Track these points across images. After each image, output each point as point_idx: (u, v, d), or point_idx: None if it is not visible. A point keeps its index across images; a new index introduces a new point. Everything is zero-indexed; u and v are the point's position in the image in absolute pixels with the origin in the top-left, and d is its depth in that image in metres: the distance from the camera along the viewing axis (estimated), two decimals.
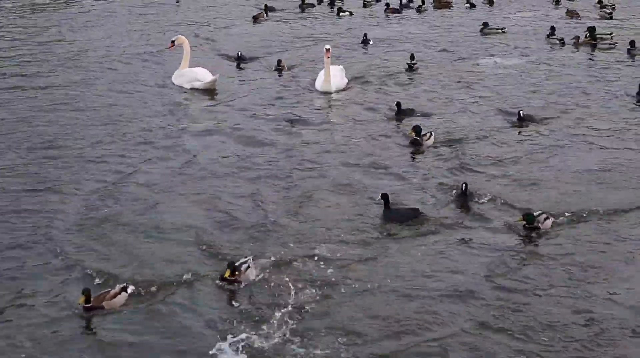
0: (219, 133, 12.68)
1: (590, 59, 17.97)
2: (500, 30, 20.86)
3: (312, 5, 25.52)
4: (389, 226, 8.91)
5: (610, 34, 19.44)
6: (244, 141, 12.08)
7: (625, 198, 9.51)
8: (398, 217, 9.03)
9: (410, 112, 13.09)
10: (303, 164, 11.03)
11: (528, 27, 21.76)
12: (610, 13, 23.89)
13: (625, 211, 9.06)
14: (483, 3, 25.62)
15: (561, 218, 8.85)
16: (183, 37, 16.05)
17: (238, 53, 17.33)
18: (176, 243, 8.49)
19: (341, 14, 23.98)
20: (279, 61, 16.61)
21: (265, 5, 23.90)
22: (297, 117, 13.34)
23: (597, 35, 19.24)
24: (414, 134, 11.47)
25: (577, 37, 19.24)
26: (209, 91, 15.27)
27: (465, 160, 11.03)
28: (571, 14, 24.13)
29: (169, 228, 8.89)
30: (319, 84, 14.70)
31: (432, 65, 17.35)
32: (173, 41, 15.89)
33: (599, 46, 18.93)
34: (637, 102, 14.07)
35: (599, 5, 25.07)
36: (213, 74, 15.32)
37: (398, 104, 12.99)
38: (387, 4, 24.75)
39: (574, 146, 11.59)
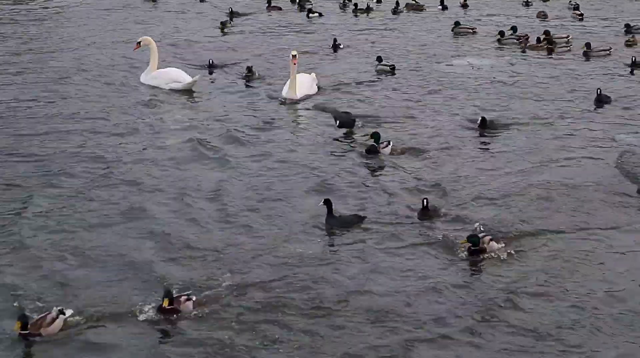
0: (178, 142, 12.33)
1: (551, 62, 17.99)
2: (471, 30, 20.85)
3: (279, 8, 25.21)
4: (333, 233, 8.82)
5: (567, 36, 19.53)
6: (192, 157, 11.58)
7: (575, 218, 9.15)
8: (341, 223, 8.89)
9: (351, 124, 12.43)
10: (255, 175, 10.75)
11: (500, 29, 21.64)
12: (581, 15, 24.09)
13: (572, 232, 8.72)
14: (457, 6, 25.67)
15: (514, 239, 8.42)
16: (149, 38, 15.94)
17: (209, 61, 16.93)
18: (117, 266, 8.11)
19: (310, 15, 23.78)
20: (249, 68, 16.22)
21: (231, 9, 23.35)
22: (259, 126, 13.08)
23: (555, 38, 19.31)
24: (372, 140, 11.25)
25: (526, 39, 19.24)
26: (174, 98, 14.96)
27: (423, 172, 10.75)
28: (541, 15, 24.42)
29: (108, 250, 8.47)
30: (285, 91, 14.50)
31: (404, 68, 17.16)
32: (139, 42, 15.79)
33: (556, 48, 19.00)
34: (595, 109, 14.06)
35: (572, 6, 25.34)
36: (192, 76, 15.34)
37: (337, 119, 12.35)
38: (356, 5, 24.80)
39: (532, 156, 11.40)
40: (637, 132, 12.55)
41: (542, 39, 19.27)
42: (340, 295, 7.38)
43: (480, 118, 12.39)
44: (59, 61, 17.73)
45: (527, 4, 26.51)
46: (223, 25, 21.87)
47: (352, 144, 12.02)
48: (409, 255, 8.21)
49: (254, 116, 13.68)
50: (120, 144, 12.09)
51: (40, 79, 15.94)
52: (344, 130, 12.55)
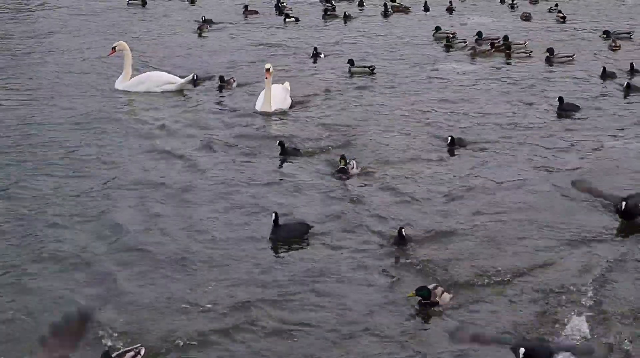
0: (138, 156, 11.77)
1: (515, 69, 17.72)
2: (451, 35, 20.63)
3: (256, 12, 24.74)
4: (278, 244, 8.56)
5: (524, 43, 19.31)
6: (147, 174, 11.03)
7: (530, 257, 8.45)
8: (286, 233, 8.66)
9: (295, 152, 11.68)
10: (218, 189, 10.28)
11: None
12: (564, 17, 24.12)
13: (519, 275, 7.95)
14: (444, 11, 25.56)
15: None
16: (124, 43, 15.68)
17: (194, 75, 15.77)
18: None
19: (287, 19, 23.38)
20: (221, 78, 15.49)
21: (203, 17, 22.47)
22: (228, 139, 12.49)
23: (512, 44, 19.10)
24: (343, 163, 10.68)
25: (474, 48, 18.98)
26: (139, 110, 14.42)
27: (388, 195, 10.16)
28: (525, 17, 24.46)
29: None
30: (259, 104, 13.79)
31: (386, 74, 16.66)
32: (114, 47, 15.52)
33: (514, 54, 18.79)
34: (558, 117, 13.75)
35: (556, 9, 25.42)
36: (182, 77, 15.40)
37: (281, 143, 11.56)
38: (325, 10, 24.55)
39: (500, 176, 10.83)
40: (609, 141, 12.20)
41: (495, 45, 19.09)
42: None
43: (449, 137, 11.89)
44: (34, 63, 17.44)
45: (512, 7, 26.67)
46: (200, 30, 21.26)
47: (318, 167, 11.33)
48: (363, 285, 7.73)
49: (224, 129, 13.11)
50: (89, 153, 11.76)
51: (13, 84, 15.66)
52: (316, 148, 12.05)
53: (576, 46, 19.86)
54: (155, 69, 16.53)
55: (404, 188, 10.38)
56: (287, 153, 11.51)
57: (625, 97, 15.08)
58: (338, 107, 14.46)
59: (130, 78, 15.23)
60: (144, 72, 15.88)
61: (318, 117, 13.79)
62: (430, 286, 7.41)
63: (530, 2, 27.66)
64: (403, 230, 8.43)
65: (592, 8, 26.57)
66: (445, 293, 7.45)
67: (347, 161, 10.78)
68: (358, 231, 8.97)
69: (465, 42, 19.52)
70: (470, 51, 18.93)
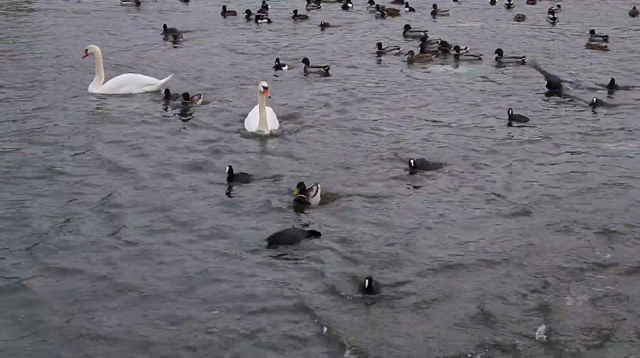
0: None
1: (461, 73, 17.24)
2: (423, 33, 20.72)
3: (234, 13, 24.21)
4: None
5: (466, 48, 18.81)
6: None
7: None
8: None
9: (243, 177, 10.43)
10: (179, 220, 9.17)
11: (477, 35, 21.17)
12: (554, 19, 24.06)
13: None
14: (440, 14, 25.05)
15: None
16: (95, 47, 15.27)
17: (165, 91, 14.57)
18: None
19: (259, 21, 23.11)
20: (185, 95, 14.03)
21: (165, 26, 20.99)
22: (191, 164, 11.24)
23: (454, 49, 18.61)
24: (297, 191, 9.47)
25: (411, 52, 18.26)
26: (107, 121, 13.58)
27: (352, 227, 8.91)
28: (518, 18, 24.32)
29: None
30: (253, 125, 12.41)
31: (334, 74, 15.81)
32: (87, 50, 15.27)
33: (461, 57, 18.40)
34: (508, 124, 13.21)
35: (558, 9, 25.82)
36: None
37: (230, 169, 10.33)
38: (295, 11, 24.09)
39: (456, 206, 9.73)
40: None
41: (432, 50, 18.62)
42: None
43: (412, 161, 10.93)
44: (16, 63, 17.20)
45: (508, 7, 26.65)
46: (175, 37, 20.23)
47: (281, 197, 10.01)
48: None
49: (188, 155, 11.66)
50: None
51: None
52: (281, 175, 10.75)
53: (555, 49, 19.63)
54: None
55: (366, 216, 9.23)
56: (235, 178, 10.34)
57: (594, 112, 14.02)
58: (295, 123, 13.28)
59: (104, 82, 15.01)
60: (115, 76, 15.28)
61: (310, 143, 12.29)
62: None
63: (527, 2, 27.50)
64: (368, 279, 7.23)
65: (592, 10, 26.22)
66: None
67: (307, 187, 9.52)
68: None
69: (398, 49, 18.73)
70: (407, 56, 18.15)
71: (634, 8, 25.43)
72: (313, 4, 26.16)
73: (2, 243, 8.39)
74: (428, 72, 17.35)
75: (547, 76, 15.22)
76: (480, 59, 18.17)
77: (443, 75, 17.07)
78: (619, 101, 14.78)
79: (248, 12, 23.69)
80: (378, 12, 24.94)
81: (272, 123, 12.55)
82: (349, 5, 26.36)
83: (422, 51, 18.40)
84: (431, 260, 8.11)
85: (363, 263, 8.00)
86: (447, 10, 24.99)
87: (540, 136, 12.55)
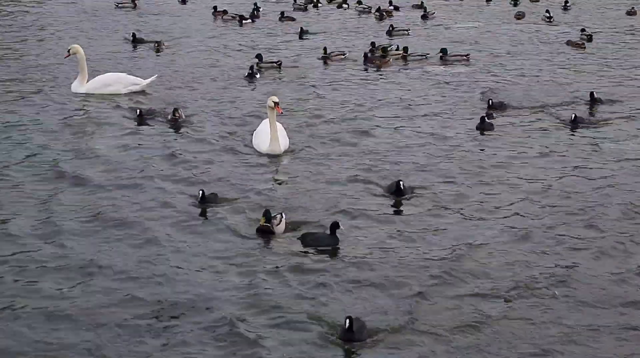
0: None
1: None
2: (406, 32, 21.52)
3: (225, 12, 24.14)
4: None
5: (397, 48, 18.85)
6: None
7: None
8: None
9: (214, 198, 9.76)
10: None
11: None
12: (551, 17, 24.20)
13: None
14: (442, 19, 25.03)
15: None
16: (77, 47, 15.37)
17: (137, 111, 13.56)
18: None
19: (243, 21, 23.42)
20: (175, 110, 13.27)
21: (133, 34, 20.36)
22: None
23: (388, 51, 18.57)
24: (263, 220, 8.73)
25: (365, 56, 18.17)
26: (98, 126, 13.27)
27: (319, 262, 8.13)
28: (518, 16, 24.78)
29: None
30: (264, 145, 11.64)
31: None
32: (69, 50, 15.44)
33: (410, 57, 18.43)
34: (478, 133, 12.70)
35: (570, 5, 26.77)
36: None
37: (202, 192, 9.63)
38: (282, 12, 24.12)
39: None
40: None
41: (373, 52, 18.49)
42: None
43: (395, 184, 9.91)
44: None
45: (515, 4, 27.12)
46: (158, 45, 19.62)
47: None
48: None
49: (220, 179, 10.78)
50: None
51: None
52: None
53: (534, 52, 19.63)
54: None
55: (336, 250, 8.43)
56: (207, 200, 9.67)
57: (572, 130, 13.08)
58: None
59: (87, 81, 15.09)
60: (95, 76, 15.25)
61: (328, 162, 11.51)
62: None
63: (531, 0, 27.74)
64: (349, 319, 6.36)
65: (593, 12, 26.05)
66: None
67: (273, 215, 8.88)
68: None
69: (344, 54, 18.46)
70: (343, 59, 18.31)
71: (633, 8, 25.23)
72: (302, 4, 26.26)
73: None
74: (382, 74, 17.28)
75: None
76: (426, 57, 18.24)
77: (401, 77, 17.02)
78: (599, 117, 13.91)
79: (218, 10, 24.00)
80: (366, 10, 25.36)
81: (284, 141, 11.74)
82: (344, 6, 26.42)
83: (367, 61, 17.90)
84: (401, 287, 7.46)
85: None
86: (433, 13, 24.90)
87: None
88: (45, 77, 16.38)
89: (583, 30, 21.11)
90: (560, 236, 8.73)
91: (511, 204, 9.77)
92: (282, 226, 8.90)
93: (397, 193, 9.83)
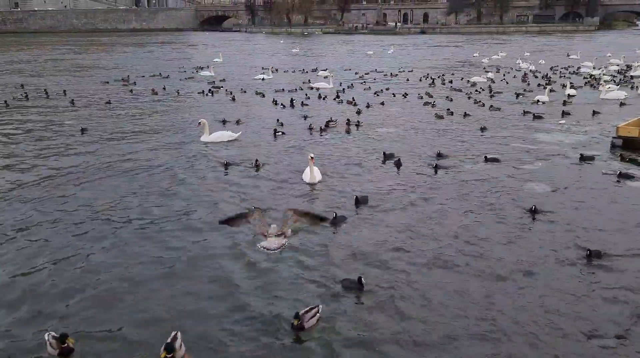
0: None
1: None
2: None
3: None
4: None
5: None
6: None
7: None
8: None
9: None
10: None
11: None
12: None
13: None
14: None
15: None
16: (204, 120, 24.23)
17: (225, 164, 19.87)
18: None
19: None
20: (256, 161, 19.54)
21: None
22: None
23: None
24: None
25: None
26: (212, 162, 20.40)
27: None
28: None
29: None
30: (307, 177, 17.86)
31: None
32: (199, 123, 24.53)
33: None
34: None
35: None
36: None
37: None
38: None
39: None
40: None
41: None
42: None
43: (358, 279, 11.06)
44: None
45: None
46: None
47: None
48: None
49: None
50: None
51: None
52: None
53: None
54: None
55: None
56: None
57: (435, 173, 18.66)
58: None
59: (210, 134, 23.75)
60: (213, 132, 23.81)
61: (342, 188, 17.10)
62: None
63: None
64: None
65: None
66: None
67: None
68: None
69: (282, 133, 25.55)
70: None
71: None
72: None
73: None
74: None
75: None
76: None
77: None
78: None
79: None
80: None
81: (318, 176, 17.85)
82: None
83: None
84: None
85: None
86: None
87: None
88: (186, 132, 25.70)
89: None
90: None
91: None
92: (314, 320, 9.58)
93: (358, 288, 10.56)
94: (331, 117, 27.30)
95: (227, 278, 11.25)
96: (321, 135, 24.79)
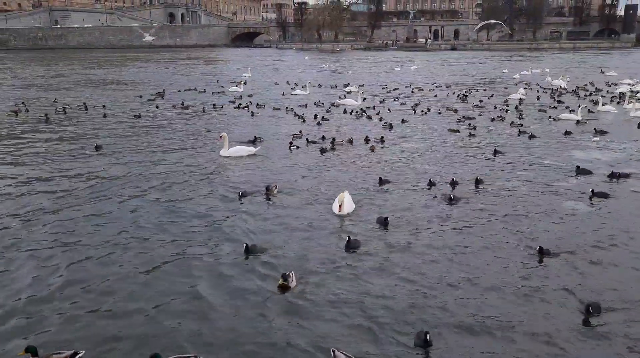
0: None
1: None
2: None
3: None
4: None
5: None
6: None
7: None
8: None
9: (259, 249, 13.55)
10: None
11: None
12: (474, 130, 30.29)
13: None
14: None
15: None
16: (225, 134, 25.00)
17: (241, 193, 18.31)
18: None
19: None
20: (268, 186, 18.40)
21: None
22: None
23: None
24: (281, 280, 11.32)
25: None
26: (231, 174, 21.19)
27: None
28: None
29: None
30: (336, 209, 16.90)
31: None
32: (221, 136, 25.06)
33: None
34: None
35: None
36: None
37: (246, 246, 13.43)
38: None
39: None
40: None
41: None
42: None
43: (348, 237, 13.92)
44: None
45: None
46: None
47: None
48: None
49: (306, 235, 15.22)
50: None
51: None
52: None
53: None
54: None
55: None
56: (250, 252, 13.18)
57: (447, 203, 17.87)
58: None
59: (229, 148, 24.44)
60: (232, 146, 24.54)
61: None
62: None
63: None
64: None
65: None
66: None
67: (287, 273, 11.49)
68: None
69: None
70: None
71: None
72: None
73: None
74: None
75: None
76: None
77: None
78: None
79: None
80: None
81: (349, 208, 16.95)
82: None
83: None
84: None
85: None
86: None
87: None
88: (208, 145, 26.61)
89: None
90: None
91: None
92: (294, 281, 11.34)
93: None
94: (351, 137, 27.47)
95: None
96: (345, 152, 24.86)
